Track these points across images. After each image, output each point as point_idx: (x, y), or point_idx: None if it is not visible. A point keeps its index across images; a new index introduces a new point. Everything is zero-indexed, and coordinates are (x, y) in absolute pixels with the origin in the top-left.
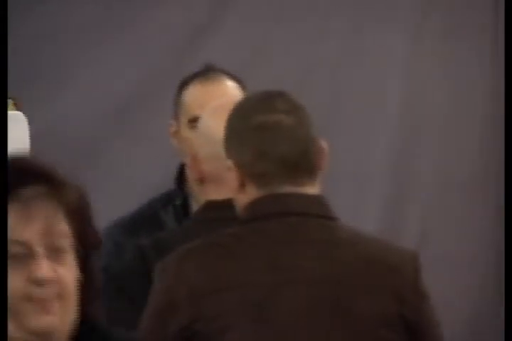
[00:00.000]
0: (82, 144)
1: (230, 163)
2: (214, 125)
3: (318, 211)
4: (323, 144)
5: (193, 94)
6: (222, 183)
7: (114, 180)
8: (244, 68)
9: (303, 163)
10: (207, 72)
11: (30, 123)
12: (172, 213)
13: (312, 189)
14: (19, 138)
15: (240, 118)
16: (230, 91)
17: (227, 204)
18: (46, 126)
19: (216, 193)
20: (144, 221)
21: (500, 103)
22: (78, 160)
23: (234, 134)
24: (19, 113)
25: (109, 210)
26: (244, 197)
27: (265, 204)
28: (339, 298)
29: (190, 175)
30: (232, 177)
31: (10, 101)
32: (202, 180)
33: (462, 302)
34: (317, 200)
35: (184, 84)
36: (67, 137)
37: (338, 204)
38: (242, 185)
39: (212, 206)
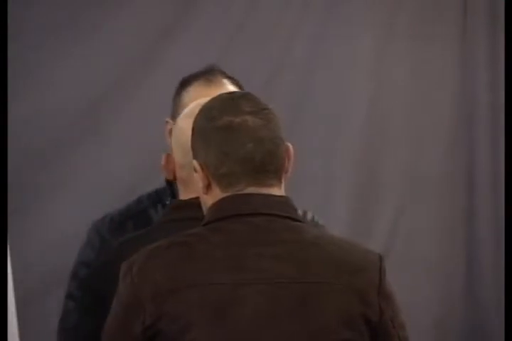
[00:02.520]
0: (53, 143)
1: (195, 163)
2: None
3: (283, 212)
4: (290, 145)
5: (194, 95)
6: (191, 187)
7: (86, 179)
8: (218, 60)
9: (268, 164)
10: (209, 74)
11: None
12: (162, 212)
13: (277, 190)
14: None
15: (205, 120)
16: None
17: (194, 204)
18: (13, 128)
19: (184, 194)
20: (132, 218)
21: (468, 102)
22: (49, 158)
23: (200, 135)
24: None
25: (80, 208)
26: (209, 198)
27: (229, 204)
28: (302, 298)
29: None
30: (197, 178)
31: None
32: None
33: (430, 303)
34: (282, 201)
35: (185, 84)
36: (39, 136)
37: (306, 206)
38: (207, 186)
39: (179, 206)
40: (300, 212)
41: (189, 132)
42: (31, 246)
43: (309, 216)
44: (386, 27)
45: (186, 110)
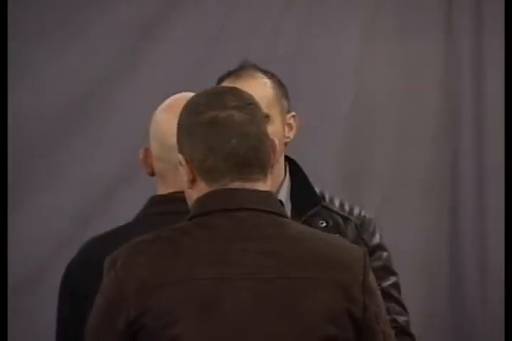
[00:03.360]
0: (39, 139)
1: (181, 158)
2: (163, 124)
3: (267, 207)
4: (275, 140)
5: None
6: (168, 180)
7: (74, 174)
8: (196, 66)
9: (253, 159)
10: (240, 70)
11: None
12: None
13: (262, 185)
14: None
15: (191, 114)
16: (259, 87)
17: (171, 199)
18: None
19: (162, 189)
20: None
21: (452, 94)
22: (36, 154)
23: (185, 130)
24: None
25: (67, 204)
26: (194, 192)
27: (214, 199)
28: (288, 294)
29: (145, 168)
30: (182, 173)
31: None
32: (152, 174)
33: (413, 297)
34: (267, 196)
35: (219, 82)
36: (26, 133)
37: None
38: (192, 181)
39: (157, 201)
40: (327, 199)
41: (165, 125)
42: (21, 239)
43: (337, 203)
44: (370, 21)
45: (163, 104)
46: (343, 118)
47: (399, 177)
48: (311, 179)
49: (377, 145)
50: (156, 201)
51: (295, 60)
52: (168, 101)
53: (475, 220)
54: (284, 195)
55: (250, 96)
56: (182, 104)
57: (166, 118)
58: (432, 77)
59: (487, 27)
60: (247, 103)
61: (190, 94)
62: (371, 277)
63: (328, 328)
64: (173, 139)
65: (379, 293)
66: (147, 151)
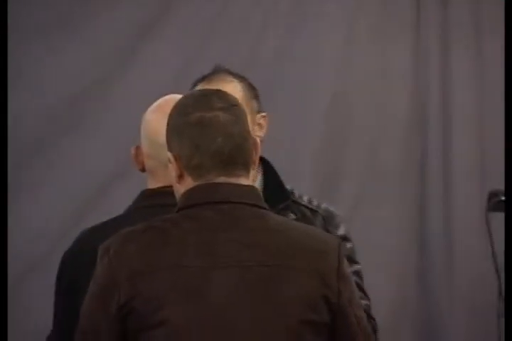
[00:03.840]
0: (35, 139)
1: (170, 155)
2: (152, 123)
3: (250, 200)
4: (257, 139)
5: None
6: (158, 176)
7: (67, 170)
8: (186, 67)
9: (237, 157)
10: (212, 74)
11: None
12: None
13: (245, 180)
14: None
15: (179, 115)
16: (230, 90)
17: (160, 193)
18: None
19: (153, 183)
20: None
21: (421, 102)
22: (32, 152)
23: (174, 129)
24: None
25: (65, 199)
26: (182, 187)
27: (201, 192)
28: (269, 280)
29: (136, 165)
30: (171, 169)
31: None
32: (143, 170)
33: (384, 287)
34: (250, 190)
35: (193, 85)
36: (24, 133)
37: None
38: (180, 176)
39: (147, 195)
40: (296, 195)
41: (155, 125)
42: (19, 231)
43: (305, 198)
44: (349, 26)
45: (153, 105)
46: (321, 118)
47: (372, 175)
48: (289, 176)
49: (352, 145)
50: (146, 195)
51: (277, 61)
52: (157, 102)
53: (442, 214)
54: None
55: (234, 98)
56: (171, 104)
57: (156, 118)
58: (402, 80)
59: (454, 30)
60: (232, 104)
61: (178, 96)
62: (345, 265)
63: (306, 312)
64: (162, 138)
65: (352, 279)
66: (138, 149)
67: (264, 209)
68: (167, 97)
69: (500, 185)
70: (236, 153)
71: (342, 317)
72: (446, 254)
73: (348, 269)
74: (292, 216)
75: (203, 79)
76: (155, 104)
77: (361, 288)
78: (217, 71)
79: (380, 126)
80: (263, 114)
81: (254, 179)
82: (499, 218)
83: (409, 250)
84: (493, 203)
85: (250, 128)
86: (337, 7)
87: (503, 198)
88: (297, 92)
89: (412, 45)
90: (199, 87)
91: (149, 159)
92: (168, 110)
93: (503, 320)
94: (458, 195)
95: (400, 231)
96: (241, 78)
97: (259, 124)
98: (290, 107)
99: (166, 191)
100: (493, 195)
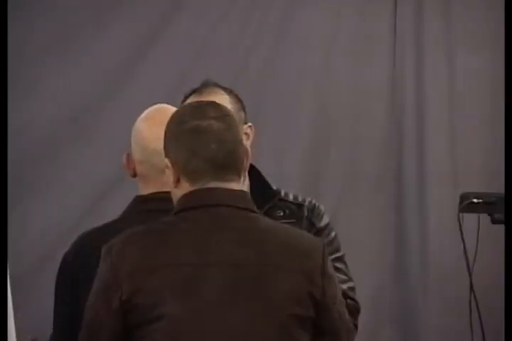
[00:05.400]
0: (43, 145)
1: (167, 161)
2: (143, 131)
3: (241, 204)
4: (248, 147)
5: None
6: (149, 181)
7: (72, 176)
8: (180, 81)
9: (230, 163)
10: (202, 87)
11: None
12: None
13: (236, 185)
14: None
15: (176, 123)
16: (220, 102)
17: (151, 199)
18: (11, 130)
19: (144, 189)
20: None
21: (396, 110)
22: (38, 158)
23: (171, 137)
24: None
25: (67, 202)
26: (179, 191)
27: (196, 196)
28: (258, 277)
29: (127, 171)
30: (168, 174)
31: None
32: (134, 176)
33: (363, 280)
34: (241, 195)
35: (184, 99)
36: (31, 138)
37: None
38: (177, 181)
39: (139, 200)
40: (282, 193)
41: (146, 133)
42: (23, 232)
43: (291, 196)
44: (330, 42)
45: (143, 115)
46: (305, 127)
47: (353, 179)
48: (276, 179)
49: (334, 151)
50: (139, 201)
51: (265, 77)
52: (146, 112)
53: (417, 214)
54: None
55: (227, 108)
56: (160, 113)
57: (146, 126)
58: (379, 91)
59: (429, 42)
60: (224, 114)
61: (166, 106)
62: (329, 264)
63: (293, 308)
64: (153, 144)
65: (336, 277)
66: (129, 156)
67: (255, 212)
68: (156, 106)
69: (470, 188)
70: (229, 159)
71: (326, 312)
72: (421, 252)
73: (332, 269)
74: (280, 213)
75: (194, 92)
76: (144, 113)
77: (343, 272)
78: (207, 84)
79: (360, 134)
80: (249, 124)
81: (243, 183)
82: (470, 218)
83: (387, 248)
84: (464, 205)
85: None
86: (318, 22)
87: (474, 200)
88: (283, 104)
89: (388, 57)
90: (190, 100)
91: (141, 165)
92: (157, 119)
93: (473, 311)
94: (432, 197)
95: (378, 231)
96: (229, 91)
97: (246, 134)
98: (277, 117)
99: (158, 197)
100: (464, 197)
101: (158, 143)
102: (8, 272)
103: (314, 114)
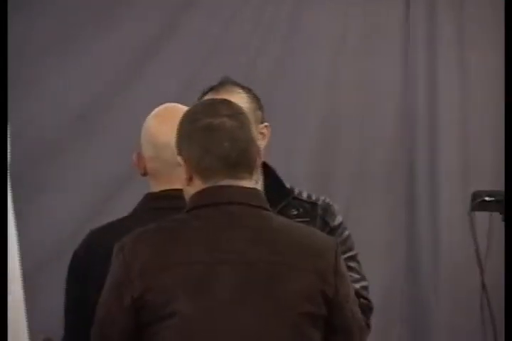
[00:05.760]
0: (50, 143)
1: (180, 159)
2: (153, 127)
3: (254, 202)
4: (260, 146)
5: None
6: (161, 177)
7: (80, 174)
8: (191, 81)
9: (242, 160)
10: (220, 85)
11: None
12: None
13: (248, 183)
14: None
15: (189, 121)
16: (236, 101)
17: (162, 196)
18: (19, 129)
19: (155, 186)
20: None
21: (408, 109)
22: (47, 156)
23: (184, 134)
24: None
25: (76, 201)
26: (191, 189)
27: (208, 194)
28: (270, 276)
29: (137, 169)
30: (181, 172)
31: None
32: (145, 175)
33: (375, 279)
34: (254, 193)
35: (201, 96)
36: (38, 138)
37: None
38: (190, 178)
39: (150, 198)
40: (296, 192)
41: (154, 128)
42: (36, 228)
43: (304, 194)
44: (338, 44)
45: (152, 113)
46: (315, 127)
47: (363, 177)
48: (287, 178)
49: (344, 149)
50: (149, 198)
51: (275, 76)
52: (155, 110)
53: (429, 213)
54: None
55: (239, 106)
56: (168, 111)
57: (155, 123)
58: (390, 92)
59: (441, 43)
60: (237, 112)
61: (175, 105)
62: (342, 263)
63: (305, 306)
64: (162, 139)
65: (348, 276)
66: (139, 155)
67: (267, 210)
68: (165, 105)
69: (482, 186)
70: (241, 157)
71: (338, 311)
72: (432, 251)
73: (345, 268)
74: (294, 211)
75: (211, 89)
76: (153, 112)
77: (357, 271)
78: (225, 82)
79: (371, 133)
80: (266, 124)
81: (256, 181)
82: (482, 217)
83: (398, 247)
84: (476, 203)
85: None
86: (329, 22)
87: (486, 198)
88: (293, 104)
89: (400, 57)
90: (207, 97)
91: (151, 161)
92: (165, 115)
93: (485, 310)
94: (443, 196)
95: (389, 230)
96: (247, 89)
97: (262, 133)
98: (287, 117)
99: (168, 194)
100: (476, 195)
101: (168, 138)
102: (20, 270)
103: (324, 113)
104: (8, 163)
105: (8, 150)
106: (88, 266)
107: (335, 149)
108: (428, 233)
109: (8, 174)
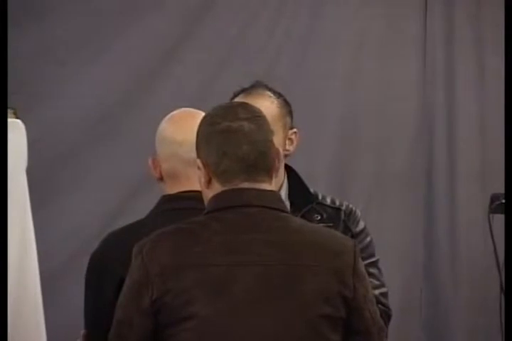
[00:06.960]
0: (71, 145)
1: (199, 162)
2: (169, 127)
3: (272, 204)
4: (279, 149)
5: None
6: (177, 179)
7: (100, 176)
8: (208, 84)
9: (261, 163)
10: (252, 88)
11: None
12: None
13: (268, 185)
14: (18, 143)
15: (208, 124)
16: (266, 105)
17: (178, 198)
18: (39, 132)
19: (171, 188)
20: None
21: (427, 110)
22: (68, 157)
23: (203, 137)
24: (18, 121)
25: (97, 203)
26: (210, 192)
27: (227, 197)
28: (289, 277)
29: (153, 174)
30: (200, 175)
31: (10, 111)
32: (161, 179)
33: (394, 281)
34: (272, 195)
35: (233, 97)
36: (57, 142)
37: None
38: (208, 181)
39: (166, 199)
40: (320, 197)
41: (169, 130)
42: (56, 230)
43: (328, 199)
44: (359, 43)
45: (166, 118)
46: (335, 127)
47: (381, 178)
48: (306, 180)
49: (363, 151)
50: (166, 200)
51: (294, 77)
52: (169, 115)
53: (447, 216)
54: (283, 195)
55: (258, 109)
56: (182, 115)
57: (169, 124)
58: (409, 92)
59: (459, 44)
60: (256, 115)
61: (189, 109)
62: (360, 264)
63: (323, 308)
64: (176, 137)
65: (367, 277)
66: (154, 160)
67: (285, 212)
68: (179, 109)
69: (501, 189)
70: (260, 159)
71: (357, 311)
72: (451, 252)
73: (363, 268)
74: (318, 217)
75: (243, 91)
76: (167, 117)
77: (376, 278)
78: (257, 86)
79: (389, 133)
80: (295, 130)
81: (281, 185)
82: (500, 219)
83: (417, 248)
84: (494, 206)
85: (282, 142)
86: (347, 23)
87: (504, 201)
88: (313, 105)
89: (418, 58)
90: (238, 99)
91: (167, 161)
92: (180, 118)
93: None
94: (462, 198)
95: (407, 231)
96: (278, 94)
97: (290, 139)
98: (306, 118)
99: (184, 196)
100: (494, 198)
101: (183, 136)
102: (37, 272)
103: (343, 114)
104: (27, 167)
105: (27, 154)
106: (105, 268)
107: (353, 150)
108: (446, 235)
109: (27, 177)
